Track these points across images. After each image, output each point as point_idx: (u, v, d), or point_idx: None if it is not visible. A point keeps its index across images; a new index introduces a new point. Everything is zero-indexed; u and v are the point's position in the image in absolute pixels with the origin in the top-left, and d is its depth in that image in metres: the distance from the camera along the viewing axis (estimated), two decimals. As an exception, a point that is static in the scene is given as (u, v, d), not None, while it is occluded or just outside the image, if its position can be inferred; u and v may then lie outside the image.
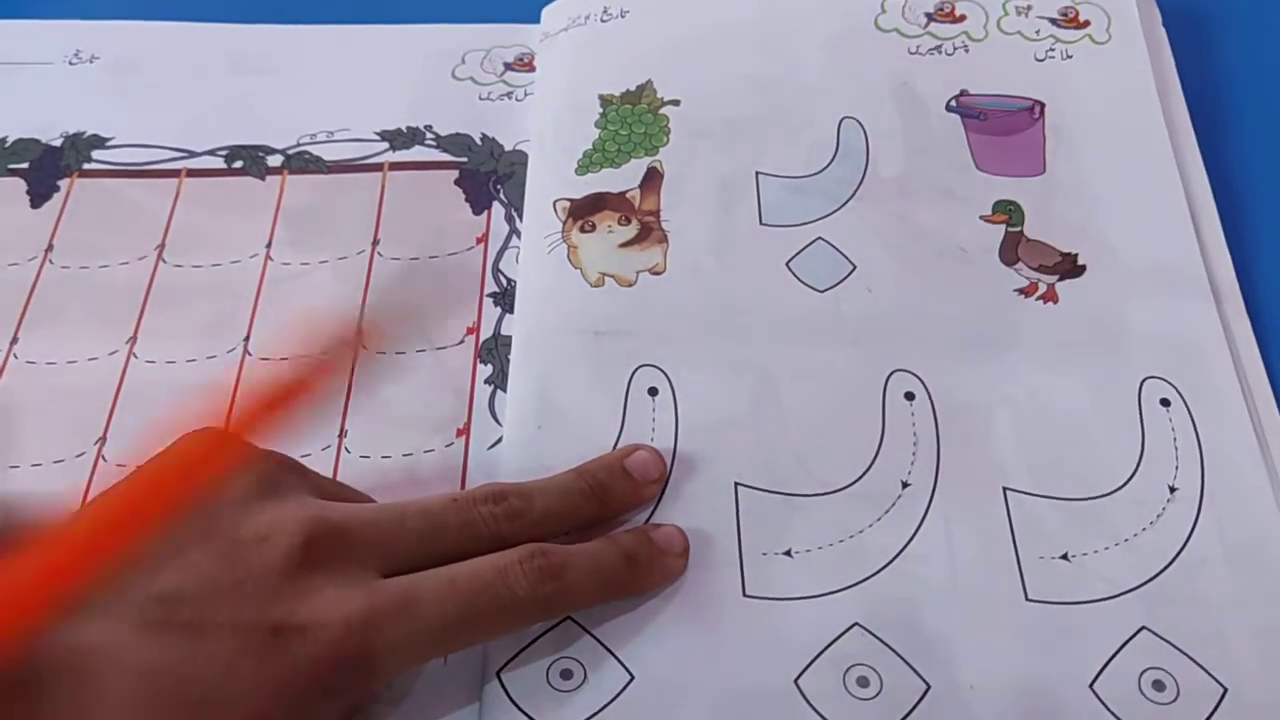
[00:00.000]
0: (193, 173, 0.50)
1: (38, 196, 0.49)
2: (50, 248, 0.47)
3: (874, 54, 0.51)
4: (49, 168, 0.49)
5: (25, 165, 0.50)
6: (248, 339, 0.44)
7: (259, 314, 0.45)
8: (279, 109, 0.51)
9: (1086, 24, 0.51)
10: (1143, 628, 0.36)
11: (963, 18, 0.52)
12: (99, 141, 0.50)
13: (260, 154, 0.50)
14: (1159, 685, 0.35)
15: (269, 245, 0.47)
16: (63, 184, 0.49)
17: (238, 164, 0.50)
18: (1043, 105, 0.49)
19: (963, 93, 0.49)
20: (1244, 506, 0.38)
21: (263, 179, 0.49)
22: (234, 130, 0.51)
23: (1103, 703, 0.35)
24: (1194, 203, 0.46)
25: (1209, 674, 0.35)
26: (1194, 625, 0.36)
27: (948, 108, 0.49)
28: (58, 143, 0.50)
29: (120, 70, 0.53)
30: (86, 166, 0.50)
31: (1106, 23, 0.51)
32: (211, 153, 0.50)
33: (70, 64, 0.53)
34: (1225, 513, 0.38)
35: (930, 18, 0.52)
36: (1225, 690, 0.35)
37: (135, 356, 0.44)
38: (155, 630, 0.30)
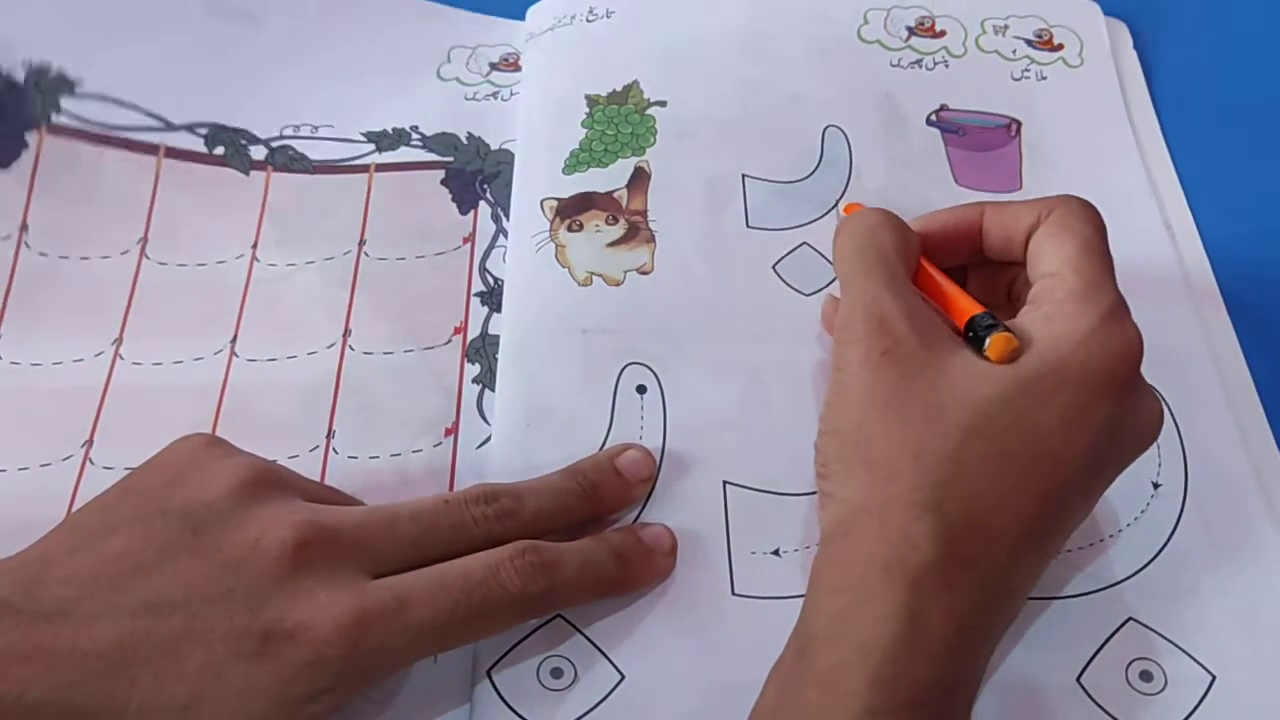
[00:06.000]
0: (172, 152, 0.49)
1: (6, 152, 0.47)
2: (25, 227, 0.46)
3: (857, 64, 0.51)
4: (13, 112, 0.47)
5: None
6: (235, 340, 0.44)
7: (246, 315, 0.45)
8: (262, 92, 0.50)
9: (1060, 47, 0.52)
10: (1129, 619, 0.36)
11: (943, 33, 0.52)
12: (67, 85, 0.48)
13: (242, 141, 0.49)
14: (1146, 675, 0.35)
15: (255, 246, 0.47)
16: (31, 140, 0.47)
17: (219, 150, 0.49)
18: (1019, 123, 0.49)
19: (943, 107, 0.50)
20: (1228, 498, 0.39)
21: (246, 173, 0.49)
22: (215, 106, 0.49)
23: (1090, 696, 0.35)
24: (1169, 212, 0.47)
25: (1197, 661, 0.35)
26: (1181, 614, 0.36)
27: (928, 121, 0.49)
28: (20, 75, 0.48)
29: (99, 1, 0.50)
30: (55, 119, 0.48)
31: (1079, 47, 0.52)
32: (190, 129, 0.49)
33: None
34: (1209, 505, 0.39)
35: (911, 31, 0.52)
36: (1214, 678, 0.35)
37: (122, 358, 0.44)
38: (147, 636, 0.30)
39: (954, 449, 0.31)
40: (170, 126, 0.49)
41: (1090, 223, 0.35)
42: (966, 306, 0.35)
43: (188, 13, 0.51)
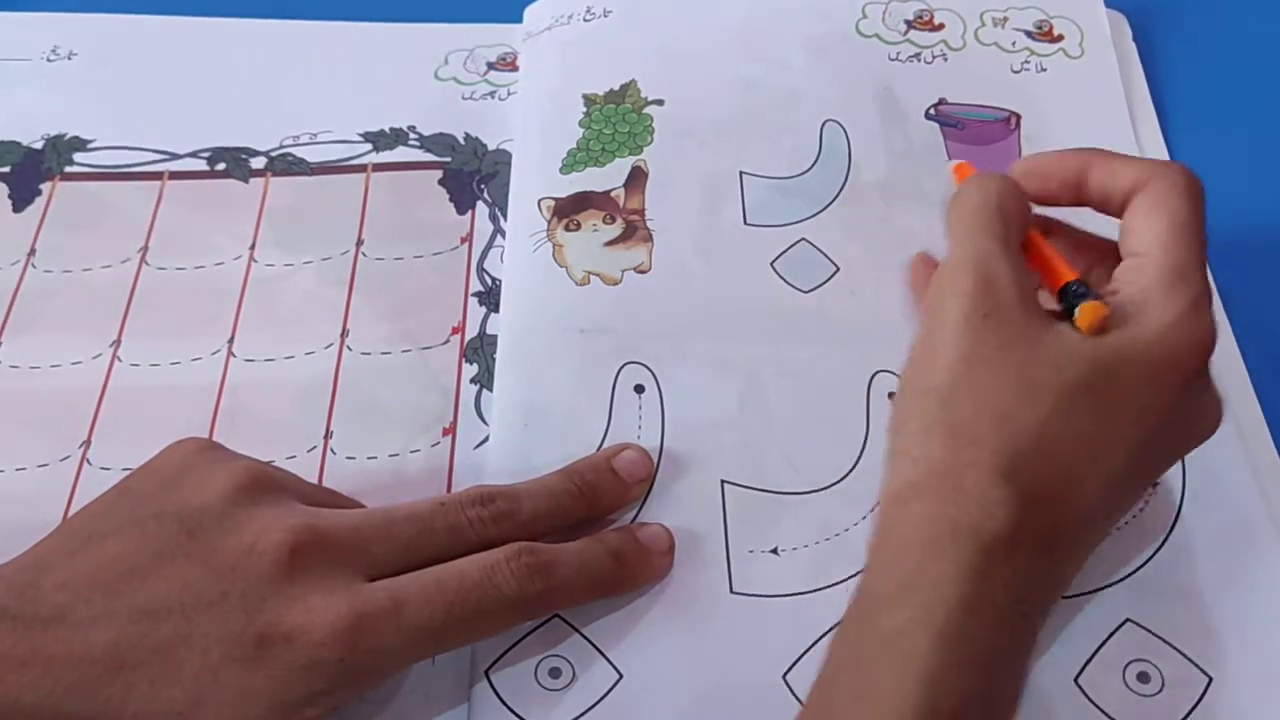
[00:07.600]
0: (175, 175, 0.49)
1: (20, 200, 0.48)
2: (33, 252, 0.47)
3: (855, 59, 0.51)
4: (30, 171, 0.49)
5: (7, 169, 0.49)
6: (232, 340, 0.44)
7: (243, 315, 0.45)
8: (261, 108, 0.51)
9: (1060, 38, 0.52)
10: (1127, 620, 0.36)
11: (941, 26, 0.52)
12: (80, 144, 0.50)
13: (243, 156, 0.50)
14: (1144, 677, 0.35)
15: (253, 246, 0.47)
16: (44, 188, 0.49)
17: (220, 166, 0.49)
18: (1019, 116, 0.49)
19: (941, 101, 0.50)
20: (1225, 497, 0.39)
21: (246, 181, 0.49)
22: (216, 131, 0.50)
23: (1087, 697, 0.35)
24: None
25: (1194, 663, 0.35)
26: (1179, 615, 0.36)
27: (927, 115, 0.49)
28: (38, 145, 0.50)
29: (99, 67, 0.53)
30: (68, 170, 0.49)
31: (1080, 38, 0.52)
32: (194, 154, 0.50)
33: (48, 60, 0.53)
34: (1207, 504, 0.38)
35: (910, 25, 0.52)
36: (1211, 679, 0.35)
37: (119, 360, 0.44)
38: (142, 640, 0.30)
39: (1039, 424, 0.31)
40: (175, 157, 0.50)
41: (1188, 198, 0.33)
42: (1064, 272, 0.34)
43: (191, 70, 0.53)
